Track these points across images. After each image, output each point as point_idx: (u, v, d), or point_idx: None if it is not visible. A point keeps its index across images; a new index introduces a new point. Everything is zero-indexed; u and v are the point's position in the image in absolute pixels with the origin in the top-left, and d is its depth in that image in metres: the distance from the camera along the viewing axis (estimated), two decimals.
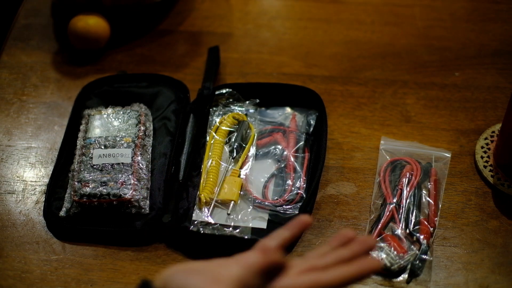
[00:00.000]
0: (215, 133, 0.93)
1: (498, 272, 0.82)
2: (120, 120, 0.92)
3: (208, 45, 1.05)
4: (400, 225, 0.84)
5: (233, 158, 0.91)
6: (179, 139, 0.93)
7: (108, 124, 0.91)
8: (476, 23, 1.09)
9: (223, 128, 0.93)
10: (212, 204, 0.87)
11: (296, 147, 0.91)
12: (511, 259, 0.83)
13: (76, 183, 0.86)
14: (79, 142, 0.91)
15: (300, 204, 0.86)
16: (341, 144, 0.94)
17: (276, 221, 0.85)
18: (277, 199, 0.87)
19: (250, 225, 0.85)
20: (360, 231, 0.86)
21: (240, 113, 0.95)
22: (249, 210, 0.87)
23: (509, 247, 0.84)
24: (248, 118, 0.95)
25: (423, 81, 1.01)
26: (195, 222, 0.86)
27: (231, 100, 0.96)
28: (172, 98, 0.97)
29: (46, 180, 0.91)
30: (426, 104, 0.98)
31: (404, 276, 0.81)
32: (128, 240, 0.86)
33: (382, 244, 0.83)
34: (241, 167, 0.91)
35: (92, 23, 1.03)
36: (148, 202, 0.87)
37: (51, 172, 0.91)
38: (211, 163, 0.90)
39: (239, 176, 0.90)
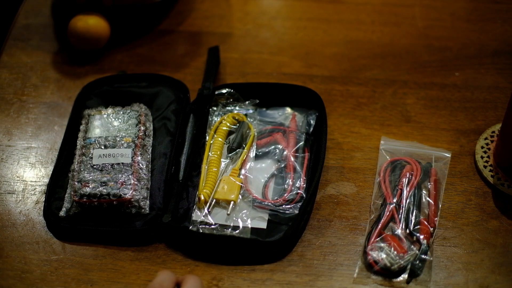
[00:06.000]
0: (215, 133, 0.93)
1: (498, 272, 0.82)
2: (120, 120, 0.92)
3: (208, 45, 1.05)
4: (400, 225, 0.84)
5: (232, 158, 0.92)
6: (179, 139, 0.93)
7: (108, 124, 0.91)
8: (476, 23, 1.09)
9: (223, 128, 0.93)
10: (212, 204, 0.87)
11: (296, 147, 0.91)
12: (511, 259, 0.83)
13: (76, 183, 0.86)
14: (79, 142, 0.91)
15: (300, 204, 0.86)
16: (341, 144, 0.94)
17: (276, 221, 0.85)
18: (277, 199, 0.87)
19: (250, 225, 0.85)
20: (360, 231, 0.86)
21: (240, 113, 0.95)
22: (249, 210, 0.87)
23: (509, 247, 0.84)
24: (248, 118, 0.95)
25: (423, 81, 1.01)
26: (195, 222, 0.86)
27: (231, 100, 0.96)
28: (172, 98, 0.97)
29: (46, 180, 0.91)
30: (426, 104, 0.98)
31: (404, 276, 0.81)
32: (128, 240, 0.86)
33: (382, 244, 0.83)
34: (241, 167, 0.91)
35: (92, 23, 1.03)
36: (148, 202, 0.87)
37: (51, 172, 0.91)
38: (211, 163, 0.90)
39: (238, 176, 0.90)
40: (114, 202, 0.85)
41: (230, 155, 0.92)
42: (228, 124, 0.94)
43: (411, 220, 0.84)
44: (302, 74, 1.03)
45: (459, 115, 0.97)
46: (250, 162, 0.91)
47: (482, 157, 0.92)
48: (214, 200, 0.87)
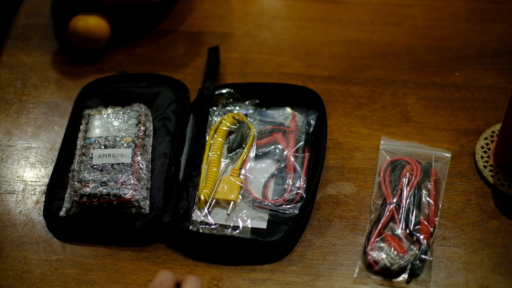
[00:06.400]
0: (215, 133, 0.93)
1: (498, 272, 0.82)
2: (120, 120, 0.92)
3: (208, 45, 1.05)
4: (400, 225, 0.84)
5: (232, 158, 0.92)
6: (179, 139, 0.93)
7: (108, 124, 0.91)
8: (476, 23, 1.09)
9: (223, 128, 0.93)
10: (212, 204, 0.87)
11: (296, 147, 0.91)
12: (511, 259, 0.83)
13: (76, 183, 0.86)
14: (79, 142, 0.91)
15: (300, 204, 0.86)
16: (341, 144, 0.94)
17: (276, 221, 0.85)
18: (277, 199, 0.87)
19: (250, 225, 0.85)
20: (360, 231, 0.86)
21: (240, 113, 0.95)
22: (249, 210, 0.87)
23: (509, 247, 0.84)
24: (248, 118, 0.95)
25: (423, 81, 1.01)
26: (195, 222, 0.86)
27: (231, 100, 0.96)
28: (172, 98, 0.97)
29: (46, 180, 0.91)
30: (426, 104, 0.98)
31: (404, 276, 0.81)
32: (128, 240, 0.86)
33: (382, 244, 0.83)
34: (241, 167, 0.91)
35: (92, 23, 1.03)
36: (148, 202, 0.87)
37: (51, 172, 0.91)
38: (211, 163, 0.90)
39: (238, 176, 0.90)
40: (114, 202, 0.85)
41: (230, 155, 0.92)
42: (228, 124, 0.94)
43: (411, 220, 0.84)
44: (302, 74, 1.03)
45: (459, 115, 0.97)
46: (250, 162, 0.91)
47: (482, 157, 0.92)
48: (214, 200, 0.87)
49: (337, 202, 0.89)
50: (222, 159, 0.92)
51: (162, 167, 0.90)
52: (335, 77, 1.02)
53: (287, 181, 0.89)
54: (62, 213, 0.87)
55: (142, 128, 0.92)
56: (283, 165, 0.90)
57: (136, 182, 0.87)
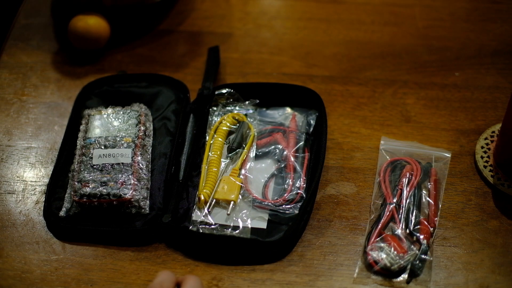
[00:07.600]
0: (215, 133, 0.93)
1: (498, 272, 0.82)
2: (120, 120, 0.92)
3: (208, 45, 1.06)
4: (400, 225, 0.84)
5: (232, 158, 0.92)
6: (179, 139, 0.93)
7: (108, 124, 0.92)
8: (476, 23, 1.09)
9: (223, 128, 0.93)
10: (212, 204, 0.87)
11: (296, 147, 0.91)
12: (511, 259, 0.83)
13: (76, 183, 0.86)
14: (79, 142, 0.91)
15: (300, 204, 0.86)
16: (341, 144, 0.94)
17: (276, 221, 0.85)
18: (277, 199, 0.87)
19: (250, 225, 0.85)
20: (360, 231, 0.86)
21: (240, 113, 0.95)
22: (249, 210, 0.87)
23: (509, 247, 0.84)
24: (248, 118, 0.95)
25: (423, 81, 1.01)
26: (195, 222, 0.86)
27: (231, 100, 0.96)
28: (172, 98, 0.97)
29: (46, 180, 0.91)
30: (426, 104, 0.98)
31: (404, 276, 0.81)
32: (128, 240, 0.86)
33: (382, 244, 0.83)
34: (241, 167, 0.91)
35: (92, 23, 1.03)
36: (148, 202, 0.87)
37: (51, 172, 0.91)
38: (211, 163, 0.90)
39: (238, 176, 0.90)
40: (114, 202, 0.85)
41: (230, 155, 0.92)
42: (228, 124, 0.94)
43: (411, 220, 0.84)
44: (302, 74, 1.03)
45: (459, 115, 0.97)
46: (250, 162, 0.91)
47: (482, 157, 0.92)
48: (214, 200, 0.87)
49: (337, 202, 0.89)
50: (222, 159, 0.92)
51: (162, 167, 0.90)
52: (335, 77, 1.02)
53: (287, 181, 0.89)
54: (62, 213, 0.87)
55: (142, 128, 0.92)
56: (283, 165, 0.90)
57: (136, 182, 0.87)
